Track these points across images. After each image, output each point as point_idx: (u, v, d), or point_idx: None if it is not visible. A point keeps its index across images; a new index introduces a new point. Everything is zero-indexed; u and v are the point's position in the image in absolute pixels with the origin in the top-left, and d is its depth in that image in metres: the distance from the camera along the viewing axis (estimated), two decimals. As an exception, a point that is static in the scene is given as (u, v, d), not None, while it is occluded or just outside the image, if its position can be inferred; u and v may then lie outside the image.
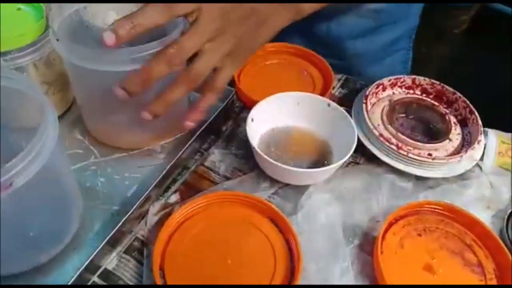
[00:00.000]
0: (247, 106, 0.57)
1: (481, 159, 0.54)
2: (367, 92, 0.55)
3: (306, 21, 0.53)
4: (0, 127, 0.43)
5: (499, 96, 1.26)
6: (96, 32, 0.49)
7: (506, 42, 1.36)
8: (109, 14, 0.50)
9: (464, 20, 1.38)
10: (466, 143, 0.54)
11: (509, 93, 1.27)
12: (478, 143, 0.51)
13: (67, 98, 0.54)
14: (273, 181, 0.50)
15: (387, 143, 0.50)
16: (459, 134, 0.54)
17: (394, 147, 0.50)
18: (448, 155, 0.52)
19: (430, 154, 0.51)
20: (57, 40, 0.41)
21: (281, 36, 0.55)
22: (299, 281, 0.41)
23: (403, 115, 0.56)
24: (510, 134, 0.57)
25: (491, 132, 0.57)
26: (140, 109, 0.42)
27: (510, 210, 0.48)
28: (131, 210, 0.43)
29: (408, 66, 0.81)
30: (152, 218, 0.46)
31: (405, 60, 0.80)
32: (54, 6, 0.43)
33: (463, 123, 0.56)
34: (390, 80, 0.57)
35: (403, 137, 0.52)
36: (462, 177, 0.52)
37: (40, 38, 0.45)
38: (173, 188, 0.49)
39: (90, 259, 0.40)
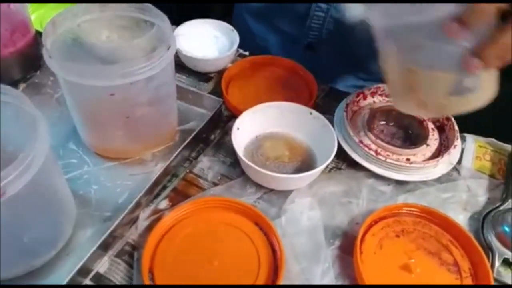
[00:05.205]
0: (235, 115, 0.60)
1: (459, 163, 0.56)
2: (348, 101, 0.57)
3: None
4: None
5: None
6: (90, 49, 0.52)
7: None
8: (102, 32, 0.53)
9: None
10: (444, 148, 0.56)
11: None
12: (454, 147, 0.53)
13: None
14: (259, 187, 0.52)
15: (366, 149, 0.52)
16: (436, 139, 0.56)
17: (373, 153, 0.52)
18: (426, 160, 0.54)
19: (408, 159, 0.53)
20: (50, 57, 0.43)
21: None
22: (282, 281, 0.43)
23: (384, 122, 0.58)
24: (487, 138, 0.60)
25: (469, 137, 0.59)
26: (133, 122, 0.43)
27: (485, 212, 0.50)
28: (122, 216, 0.45)
29: None
30: (142, 223, 0.48)
31: None
32: (47, 24, 0.46)
33: (440, 129, 0.58)
34: (370, 89, 0.60)
35: (382, 143, 0.54)
36: (440, 180, 0.54)
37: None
38: (163, 194, 0.51)
39: (82, 262, 0.42)
